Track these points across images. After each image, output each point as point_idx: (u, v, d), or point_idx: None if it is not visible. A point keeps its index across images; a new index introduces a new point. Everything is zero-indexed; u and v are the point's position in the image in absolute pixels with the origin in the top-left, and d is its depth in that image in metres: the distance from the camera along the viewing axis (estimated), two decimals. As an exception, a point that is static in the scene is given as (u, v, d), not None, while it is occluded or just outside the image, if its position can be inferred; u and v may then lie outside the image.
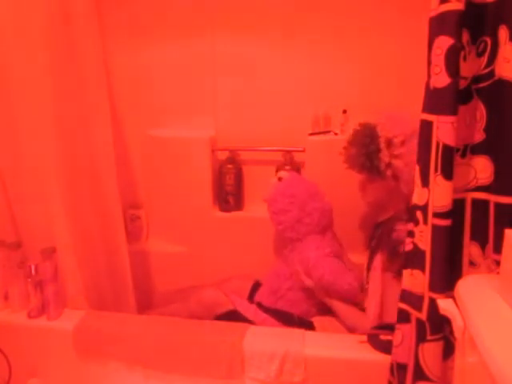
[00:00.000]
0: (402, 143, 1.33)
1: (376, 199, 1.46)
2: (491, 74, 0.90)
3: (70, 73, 1.44)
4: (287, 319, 1.46)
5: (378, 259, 1.34)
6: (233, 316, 1.45)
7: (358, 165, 1.42)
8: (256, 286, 1.69)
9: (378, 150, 1.34)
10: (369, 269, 1.40)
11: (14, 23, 1.34)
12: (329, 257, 1.45)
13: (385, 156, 1.33)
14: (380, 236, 1.40)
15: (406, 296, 1.03)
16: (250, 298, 1.66)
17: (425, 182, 0.95)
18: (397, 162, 1.33)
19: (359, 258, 1.69)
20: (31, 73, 1.36)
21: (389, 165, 1.34)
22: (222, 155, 1.94)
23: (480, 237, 0.96)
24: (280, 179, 1.64)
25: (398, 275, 1.22)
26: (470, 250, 0.97)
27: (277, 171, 1.88)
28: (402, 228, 1.25)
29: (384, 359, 1.11)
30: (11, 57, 1.36)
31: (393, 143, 1.33)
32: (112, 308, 1.58)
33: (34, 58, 1.35)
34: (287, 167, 1.85)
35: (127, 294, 1.67)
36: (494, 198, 0.92)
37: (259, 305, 1.55)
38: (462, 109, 0.91)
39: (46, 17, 1.35)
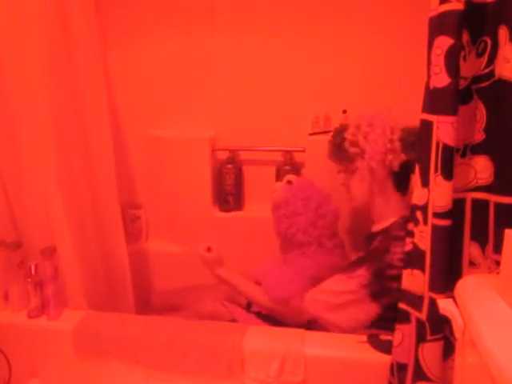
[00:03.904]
0: (369, 125, 1.34)
1: (359, 196, 1.41)
2: (491, 74, 0.90)
3: (69, 73, 1.45)
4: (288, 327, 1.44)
5: (362, 274, 1.25)
6: None
7: (331, 152, 1.45)
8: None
9: (345, 131, 1.38)
10: (345, 272, 1.33)
11: (11, 24, 1.34)
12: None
13: (348, 134, 1.36)
14: (372, 252, 1.31)
15: (405, 296, 1.02)
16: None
17: (425, 182, 0.95)
18: (360, 139, 1.33)
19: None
20: (29, 73, 1.36)
21: (352, 143, 1.35)
22: (222, 155, 1.94)
23: (480, 237, 0.96)
24: (290, 182, 1.62)
25: (374, 298, 1.23)
26: (470, 250, 0.97)
27: (277, 172, 1.88)
28: (397, 251, 1.20)
29: (384, 359, 1.11)
30: (9, 57, 1.36)
31: (360, 125, 1.35)
32: (111, 308, 1.58)
33: (32, 59, 1.35)
34: (287, 167, 1.85)
35: (126, 294, 1.68)
36: (494, 198, 0.92)
37: (258, 314, 1.53)
38: (461, 109, 0.91)
39: (45, 17, 1.35)
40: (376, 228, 1.39)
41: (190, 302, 1.68)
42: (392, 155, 1.30)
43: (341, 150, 1.40)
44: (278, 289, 1.38)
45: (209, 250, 1.52)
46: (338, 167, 1.48)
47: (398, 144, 1.30)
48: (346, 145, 1.37)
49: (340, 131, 1.42)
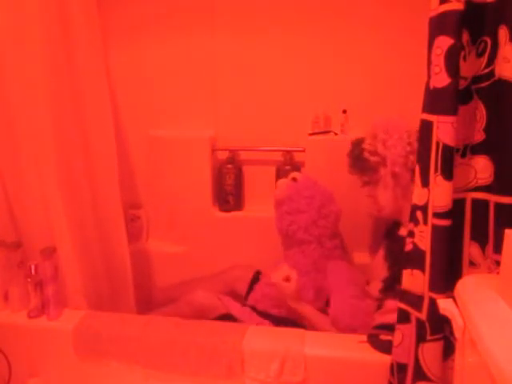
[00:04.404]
0: (385, 132, 1.35)
1: (386, 204, 1.40)
2: (491, 74, 0.90)
3: (70, 73, 1.44)
4: (282, 323, 1.44)
5: None
6: (226, 320, 1.43)
7: (351, 165, 1.44)
8: (257, 276, 1.68)
9: (362, 142, 1.39)
10: (388, 286, 1.32)
11: (11, 24, 1.33)
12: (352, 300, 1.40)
13: (366, 144, 1.37)
14: None
15: (405, 296, 1.02)
16: (251, 287, 1.65)
17: (425, 182, 0.95)
18: (378, 147, 1.34)
19: (358, 256, 1.73)
20: (31, 73, 1.36)
21: (372, 152, 1.35)
22: (222, 155, 1.94)
23: (480, 237, 0.96)
24: (295, 179, 1.63)
25: None
26: (470, 250, 0.97)
27: (277, 172, 1.88)
28: None
29: (384, 359, 1.11)
30: (10, 57, 1.36)
31: (377, 134, 1.36)
32: (111, 308, 1.58)
33: (33, 59, 1.35)
34: (287, 167, 1.85)
35: (127, 294, 1.67)
36: (494, 198, 0.92)
37: (253, 308, 1.53)
38: (461, 109, 0.91)
39: (45, 17, 1.35)
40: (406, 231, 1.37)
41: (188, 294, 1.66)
42: (414, 156, 1.30)
43: (361, 161, 1.40)
44: (363, 325, 1.32)
45: (287, 279, 1.47)
46: (361, 180, 1.47)
47: (416, 145, 1.30)
48: (366, 155, 1.37)
49: (357, 143, 1.42)
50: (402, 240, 1.36)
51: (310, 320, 1.42)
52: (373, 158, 1.36)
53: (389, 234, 1.51)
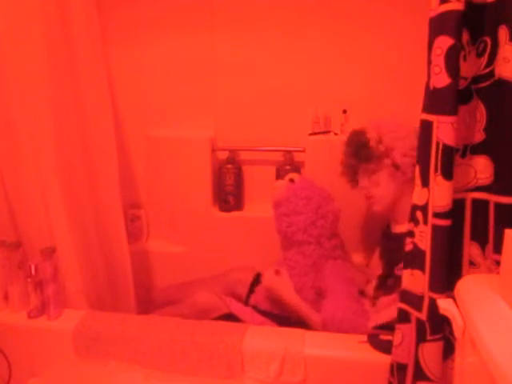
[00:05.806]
0: (395, 125, 1.35)
1: (385, 195, 1.39)
2: (491, 74, 0.90)
3: (70, 73, 1.44)
4: (284, 322, 1.44)
5: None
6: (228, 320, 1.43)
7: (352, 154, 1.44)
8: (257, 278, 1.68)
9: (365, 132, 1.38)
10: (384, 286, 1.32)
11: (12, 24, 1.33)
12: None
13: (373, 133, 1.36)
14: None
15: (405, 296, 1.03)
16: (251, 290, 1.65)
17: (425, 182, 0.95)
18: (388, 137, 1.34)
19: (357, 256, 1.74)
20: (31, 73, 1.36)
21: (381, 140, 1.35)
22: (222, 155, 1.94)
23: (480, 237, 0.96)
24: (292, 181, 1.62)
25: None
26: (470, 250, 0.97)
27: (277, 172, 1.88)
28: None
29: (384, 359, 1.11)
30: (10, 57, 1.35)
31: (382, 140, 1.35)
32: (112, 308, 1.58)
33: (33, 59, 1.35)
34: (287, 167, 1.85)
35: (127, 294, 1.67)
36: (494, 198, 0.92)
37: (255, 308, 1.54)
38: (461, 109, 0.91)
39: (45, 17, 1.35)
40: (401, 229, 1.35)
41: (190, 296, 1.66)
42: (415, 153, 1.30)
43: (366, 149, 1.37)
44: (355, 327, 1.32)
45: (277, 272, 1.47)
46: (354, 171, 1.47)
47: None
48: (372, 144, 1.35)
49: (359, 133, 1.41)
50: (396, 238, 1.37)
51: (301, 315, 1.44)
52: (381, 147, 1.35)
53: (384, 233, 1.51)
